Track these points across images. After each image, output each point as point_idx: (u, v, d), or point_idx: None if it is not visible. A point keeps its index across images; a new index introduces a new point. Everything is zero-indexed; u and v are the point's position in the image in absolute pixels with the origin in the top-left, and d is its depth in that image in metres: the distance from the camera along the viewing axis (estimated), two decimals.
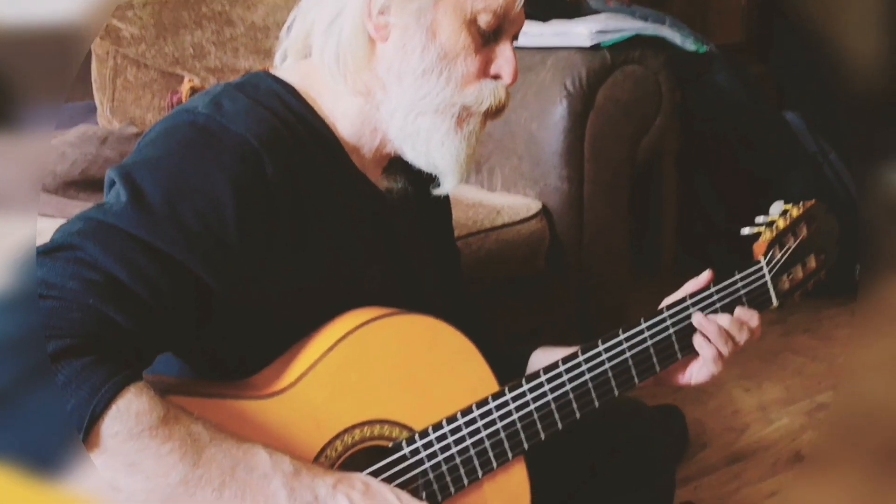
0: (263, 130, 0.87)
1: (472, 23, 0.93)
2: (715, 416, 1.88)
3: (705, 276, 1.07)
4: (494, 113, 0.97)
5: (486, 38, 0.94)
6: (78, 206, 1.64)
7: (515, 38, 0.98)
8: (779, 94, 2.97)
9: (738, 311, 1.06)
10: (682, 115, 2.57)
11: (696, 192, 2.75)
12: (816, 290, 1.16)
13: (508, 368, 1.11)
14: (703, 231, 2.75)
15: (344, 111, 0.96)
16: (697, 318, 1.03)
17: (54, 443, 0.70)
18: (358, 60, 0.94)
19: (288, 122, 0.91)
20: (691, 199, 2.76)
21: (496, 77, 0.96)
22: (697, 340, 1.03)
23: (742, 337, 1.04)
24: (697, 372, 1.06)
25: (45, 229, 1.56)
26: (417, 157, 0.97)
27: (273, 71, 0.99)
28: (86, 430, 0.70)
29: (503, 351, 1.18)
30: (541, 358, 1.13)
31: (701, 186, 2.74)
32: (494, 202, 1.78)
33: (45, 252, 0.78)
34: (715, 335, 1.03)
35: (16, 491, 0.74)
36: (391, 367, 0.89)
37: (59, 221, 1.59)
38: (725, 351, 1.04)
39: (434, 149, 0.95)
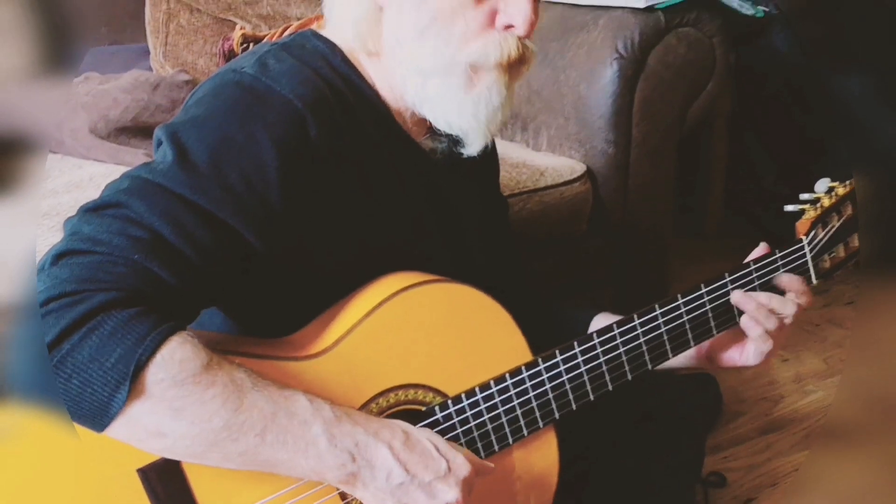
0: (308, 92, 0.87)
1: None
2: (750, 385, 1.87)
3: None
4: (513, 65, 0.91)
5: None
6: (129, 151, 1.67)
7: None
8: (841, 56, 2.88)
9: (784, 279, 1.04)
10: (737, 76, 2.51)
11: (745, 152, 2.69)
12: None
13: (568, 327, 1.11)
14: (751, 193, 2.70)
15: (377, 73, 0.96)
16: (736, 296, 1.02)
17: (100, 391, 0.73)
18: (369, 24, 0.92)
19: (333, 83, 0.91)
20: (740, 159, 2.71)
21: (509, 27, 0.89)
22: (743, 320, 1.03)
23: (787, 310, 1.02)
24: (748, 353, 1.05)
25: (96, 174, 1.60)
26: (437, 121, 0.95)
27: (322, 25, 0.99)
28: (131, 378, 0.73)
29: (557, 309, 1.18)
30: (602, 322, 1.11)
31: (751, 147, 2.68)
32: (538, 163, 1.77)
33: (93, 209, 0.80)
34: (753, 310, 1.02)
35: (62, 439, 0.78)
36: (428, 333, 0.91)
37: (111, 167, 1.64)
38: (770, 326, 1.02)
39: (450, 111, 0.92)
